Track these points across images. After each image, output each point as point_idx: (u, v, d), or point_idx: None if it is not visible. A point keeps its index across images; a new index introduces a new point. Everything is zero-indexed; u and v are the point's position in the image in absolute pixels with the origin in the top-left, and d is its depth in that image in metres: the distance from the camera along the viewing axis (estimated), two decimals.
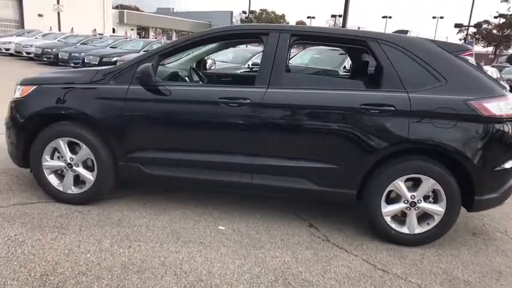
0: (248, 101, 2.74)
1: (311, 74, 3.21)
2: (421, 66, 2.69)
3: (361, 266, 2.55)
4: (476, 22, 35.34)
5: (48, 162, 3.03)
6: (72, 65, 13.20)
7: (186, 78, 3.42)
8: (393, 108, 2.63)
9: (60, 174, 3.11)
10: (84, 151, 2.95)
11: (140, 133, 2.89)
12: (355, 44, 2.87)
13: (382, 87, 2.74)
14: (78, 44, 15.11)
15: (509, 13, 50.35)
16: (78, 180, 3.08)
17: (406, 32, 22.01)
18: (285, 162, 2.81)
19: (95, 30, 16.86)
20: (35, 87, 3.01)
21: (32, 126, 2.99)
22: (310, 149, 2.77)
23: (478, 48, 45.04)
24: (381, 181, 2.76)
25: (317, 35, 2.88)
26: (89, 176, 3.01)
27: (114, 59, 11.58)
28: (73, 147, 3.00)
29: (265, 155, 2.82)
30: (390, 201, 2.83)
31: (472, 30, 42.31)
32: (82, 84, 2.94)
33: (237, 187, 2.92)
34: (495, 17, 48.02)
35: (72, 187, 3.06)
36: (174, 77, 3.23)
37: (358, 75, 3.53)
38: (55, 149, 3.02)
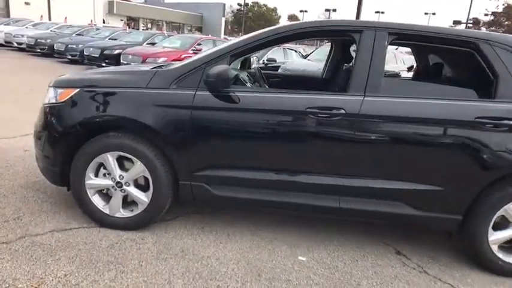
0: (342, 111, 2.30)
1: (408, 80, 2.78)
2: None
3: None
4: (473, 19, 35.42)
5: (92, 180, 2.54)
6: (69, 57, 12.45)
7: (248, 81, 2.95)
8: None
9: (105, 194, 2.63)
10: (138, 168, 2.47)
11: (210, 148, 2.43)
12: (461, 46, 2.45)
13: (496, 98, 2.34)
14: (74, 35, 14.29)
15: (498, 11, 50.98)
16: (126, 201, 2.60)
17: None
18: (380, 184, 2.39)
19: (91, 21, 16.00)
20: (76, 90, 2.50)
21: (75, 137, 2.49)
22: (410, 169, 2.36)
23: None
24: (491, 205, 2.37)
25: (420, 34, 2.43)
26: (142, 197, 2.53)
27: (117, 51, 10.91)
28: (122, 163, 2.52)
29: (357, 175, 2.39)
30: (497, 227, 2.45)
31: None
32: (137, 89, 2.45)
33: (322, 212, 2.50)
34: (485, 15, 48.54)
35: (121, 209, 2.58)
36: (237, 80, 2.75)
37: (434, 79, 3.12)
38: (100, 165, 2.53)
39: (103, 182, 2.55)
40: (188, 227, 2.75)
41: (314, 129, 2.34)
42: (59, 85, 2.61)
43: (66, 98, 2.50)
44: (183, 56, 10.11)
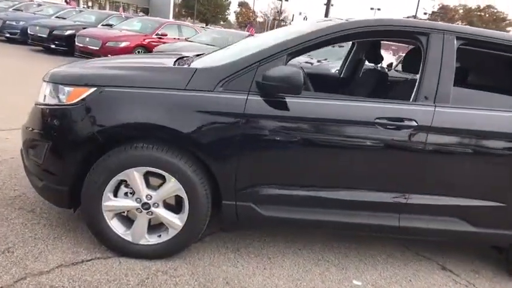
0: (414, 123, 2.07)
1: (472, 89, 2.57)
2: None
3: None
4: (413, 16, 37.45)
5: (112, 201, 2.05)
6: (7, 35, 10.87)
7: None
8: None
9: (125, 217, 2.16)
10: (172, 186, 2.03)
11: (262, 163, 2.06)
12: None
13: None
14: (11, 10, 12.53)
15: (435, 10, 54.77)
16: (149, 225, 2.16)
17: None
18: (440, 201, 2.22)
19: None
20: (93, 89, 1.97)
21: (91, 149, 1.98)
22: (475, 184, 2.22)
23: None
24: None
25: (490, 41, 2.24)
26: (174, 220, 2.10)
27: (68, 32, 9.72)
28: (147, 179, 2.07)
29: (418, 192, 2.20)
30: None
31: None
32: (174, 90, 1.99)
33: (380, 231, 2.27)
34: (424, 13, 51.86)
35: (146, 235, 2.13)
36: None
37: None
38: (120, 182, 2.06)
39: (125, 203, 2.08)
40: (221, 249, 2.37)
41: (381, 142, 2.08)
42: (64, 81, 2.05)
43: (78, 99, 1.96)
44: (146, 40, 9.30)
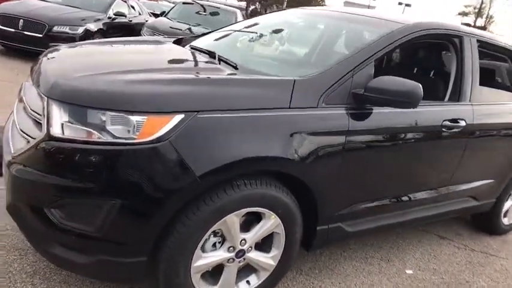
0: (464, 122, 2.25)
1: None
2: None
3: None
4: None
5: (202, 259, 1.57)
6: None
7: None
8: None
9: (206, 272, 1.69)
10: (271, 223, 1.68)
11: (358, 181, 1.89)
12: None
13: None
14: None
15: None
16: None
17: None
18: (466, 186, 2.57)
19: None
20: (180, 117, 1.38)
21: (181, 199, 1.42)
22: (485, 168, 2.63)
23: None
24: None
25: (493, 44, 2.56)
26: (268, 261, 1.77)
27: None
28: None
29: (458, 182, 2.50)
30: None
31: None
32: (278, 111, 1.57)
33: (429, 220, 2.50)
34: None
35: (236, 286, 1.74)
36: None
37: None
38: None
39: (216, 257, 1.62)
40: (287, 275, 2.15)
41: (444, 143, 2.21)
42: (128, 107, 1.36)
43: (161, 133, 1.35)
44: None
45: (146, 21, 8.45)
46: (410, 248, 2.70)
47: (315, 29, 2.64)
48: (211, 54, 2.03)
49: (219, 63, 1.89)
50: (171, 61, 1.95)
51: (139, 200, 1.37)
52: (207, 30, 6.76)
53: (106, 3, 7.77)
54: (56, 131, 1.38)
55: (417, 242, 2.81)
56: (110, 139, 1.35)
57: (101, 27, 7.13)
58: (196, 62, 1.97)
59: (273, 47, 2.52)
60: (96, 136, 1.35)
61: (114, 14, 7.87)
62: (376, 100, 1.76)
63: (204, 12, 8.07)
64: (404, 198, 2.20)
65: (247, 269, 1.79)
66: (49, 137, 1.37)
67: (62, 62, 1.80)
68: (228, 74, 1.74)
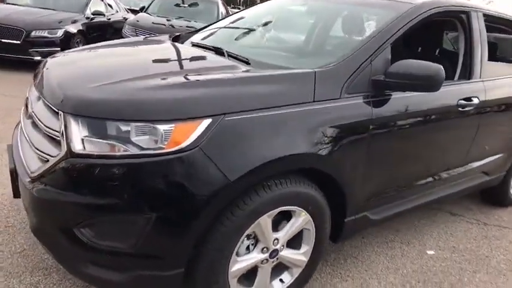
0: (476, 100, 2.24)
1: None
2: None
3: None
4: None
5: (237, 264, 1.52)
6: None
7: None
8: None
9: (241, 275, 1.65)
10: (302, 220, 1.64)
11: (382, 171, 1.87)
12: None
13: None
14: None
15: None
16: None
17: None
18: (480, 162, 2.59)
19: None
20: (208, 121, 1.31)
21: (220, 207, 1.37)
22: (497, 142, 2.64)
23: None
24: None
25: (496, 16, 2.53)
26: (299, 258, 1.74)
27: None
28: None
29: (474, 160, 2.53)
30: None
31: None
32: (303, 106, 1.52)
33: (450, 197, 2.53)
34: None
35: (269, 286, 1.71)
36: None
37: None
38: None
39: (251, 259, 1.57)
40: (327, 263, 2.13)
41: (461, 122, 2.20)
42: (153, 117, 1.29)
43: (191, 141, 1.28)
44: None
45: (125, 19, 8.21)
46: (427, 228, 2.72)
47: (321, 14, 2.57)
48: (217, 50, 1.96)
49: (229, 59, 1.82)
50: (181, 62, 1.86)
51: (175, 211, 1.31)
52: (190, 23, 6.71)
53: (82, 3, 7.47)
54: (77, 147, 1.29)
55: (432, 221, 2.83)
56: (137, 151, 1.27)
57: (81, 28, 6.87)
58: (207, 61, 1.89)
59: (279, 37, 2.45)
60: (121, 149, 1.28)
61: (92, 14, 7.59)
62: (397, 85, 1.73)
63: (183, 3, 7.88)
64: (429, 179, 2.20)
65: (279, 268, 1.75)
66: (71, 154, 1.29)
67: (69, 71, 1.70)
68: (244, 71, 1.67)
